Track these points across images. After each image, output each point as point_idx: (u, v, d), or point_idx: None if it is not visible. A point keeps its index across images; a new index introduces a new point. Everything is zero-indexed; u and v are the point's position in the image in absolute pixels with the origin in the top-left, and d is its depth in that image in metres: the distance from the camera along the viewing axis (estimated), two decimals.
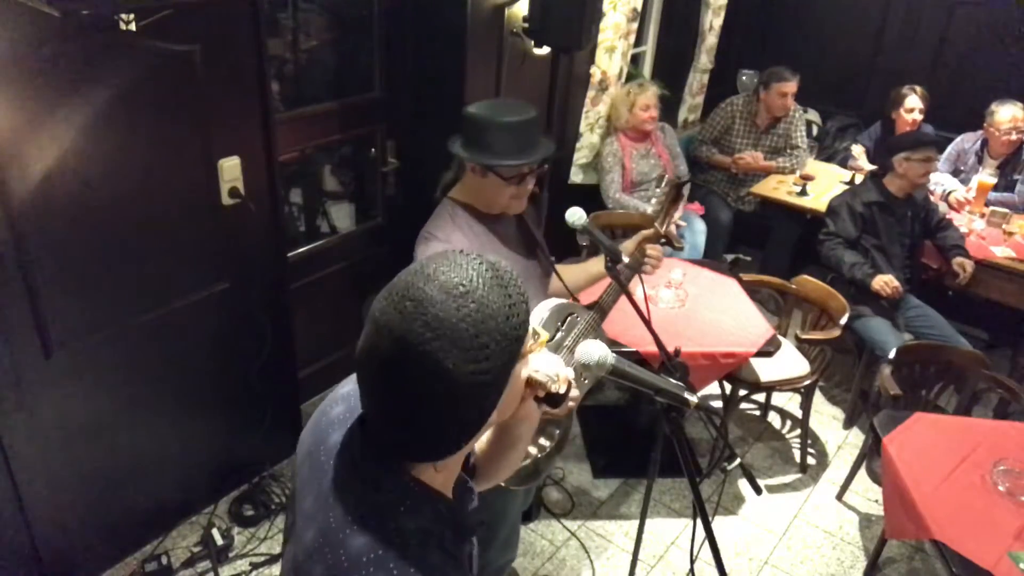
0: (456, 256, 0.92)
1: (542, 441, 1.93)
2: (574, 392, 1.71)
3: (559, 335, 1.95)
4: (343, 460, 0.99)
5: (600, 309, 2.04)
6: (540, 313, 1.91)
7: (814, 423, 3.60)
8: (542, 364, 1.05)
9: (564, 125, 3.94)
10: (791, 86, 4.31)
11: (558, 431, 1.96)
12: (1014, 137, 3.96)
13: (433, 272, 0.88)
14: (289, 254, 2.94)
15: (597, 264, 2.15)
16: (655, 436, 2.10)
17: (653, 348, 2.12)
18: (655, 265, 2.07)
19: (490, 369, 0.87)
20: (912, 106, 4.23)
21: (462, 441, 0.94)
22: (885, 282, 3.39)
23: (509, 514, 2.23)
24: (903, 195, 3.49)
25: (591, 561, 2.85)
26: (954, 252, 3.60)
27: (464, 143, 1.87)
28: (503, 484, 1.81)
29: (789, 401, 3.76)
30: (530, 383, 1.04)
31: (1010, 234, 3.81)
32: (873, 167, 4.40)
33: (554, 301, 1.97)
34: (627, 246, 2.09)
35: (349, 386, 1.10)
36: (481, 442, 1.26)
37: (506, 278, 0.91)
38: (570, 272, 2.19)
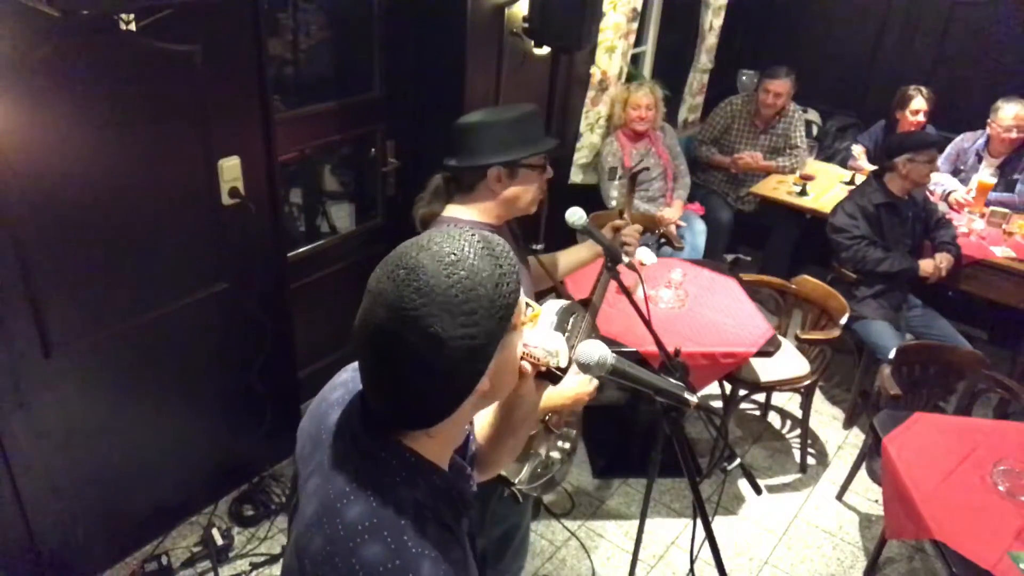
0: (451, 230, 0.95)
1: (561, 444, 1.93)
2: (591, 385, 1.72)
3: (566, 336, 1.95)
4: (342, 434, 1.01)
5: (592, 308, 2.04)
6: (548, 316, 1.90)
7: (814, 423, 3.60)
8: (538, 340, 1.06)
9: (564, 125, 3.94)
10: (778, 84, 4.29)
11: (574, 432, 1.96)
12: (1014, 135, 3.95)
13: (427, 243, 0.92)
14: (289, 254, 2.93)
15: (582, 250, 2.19)
16: (655, 436, 2.10)
17: (653, 348, 2.12)
18: (634, 242, 2.13)
19: (478, 335, 0.90)
20: (918, 108, 4.22)
21: (452, 406, 0.95)
22: (936, 265, 3.48)
23: (522, 523, 2.23)
24: (904, 195, 3.49)
25: (591, 561, 2.85)
26: (941, 248, 3.60)
27: (478, 152, 1.79)
28: (525, 495, 1.81)
29: (789, 401, 3.76)
30: (528, 360, 1.05)
31: (1010, 234, 3.81)
32: (874, 167, 4.40)
33: (560, 302, 1.97)
34: (577, 251, 2.16)
35: (347, 373, 1.13)
36: (483, 428, 1.27)
37: (498, 250, 0.94)
38: (559, 259, 2.21)
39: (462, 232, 0.94)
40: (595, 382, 1.74)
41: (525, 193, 1.87)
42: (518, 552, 2.30)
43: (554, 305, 1.94)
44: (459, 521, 1.02)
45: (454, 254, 0.90)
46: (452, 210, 1.85)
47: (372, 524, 0.91)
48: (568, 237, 2.86)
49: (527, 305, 1.03)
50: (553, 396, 1.67)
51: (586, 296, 2.08)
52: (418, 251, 0.91)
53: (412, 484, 0.95)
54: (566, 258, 2.22)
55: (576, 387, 1.71)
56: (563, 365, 1.09)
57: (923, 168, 3.38)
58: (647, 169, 3.94)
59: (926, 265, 3.47)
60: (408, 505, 0.94)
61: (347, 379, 1.11)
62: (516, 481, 1.81)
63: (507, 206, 1.88)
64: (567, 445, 1.93)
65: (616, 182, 4.00)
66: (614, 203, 4.01)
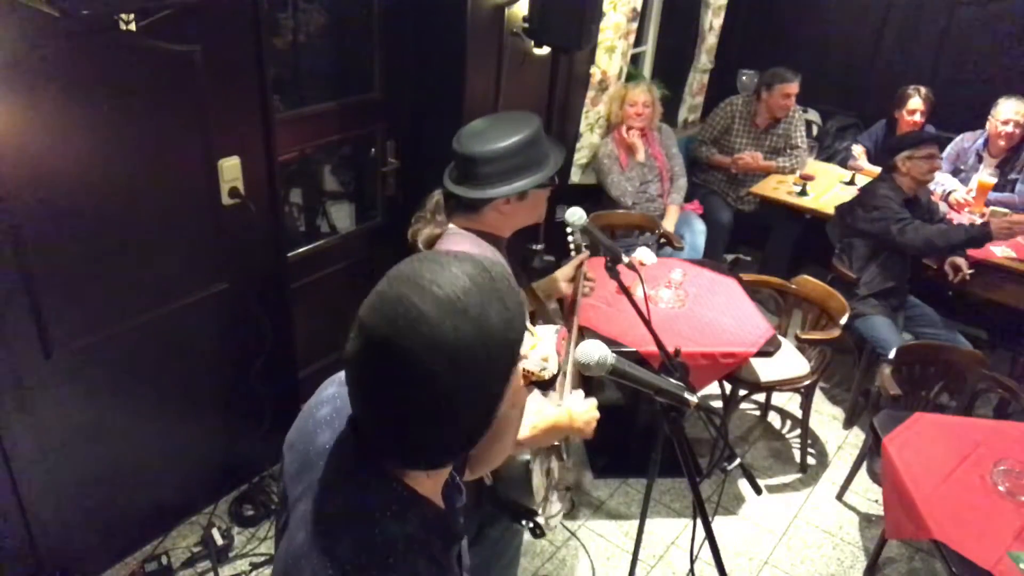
0: (450, 263, 0.87)
1: (567, 473, 1.92)
2: (593, 414, 1.72)
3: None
4: (333, 463, 0.98)
5: (573, 307, 2.05)
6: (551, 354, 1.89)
7: (814, 423, 3.60)
8: (528, 350, 1.06)
9: (564, 125, 3.94)
10: (794, 87, 4.31)
11: (572, 463, 1.96)
12: (1011, 129, 3.95)
13: (427, 284, 0.84)
14: (289, 254, 2.93)
15: (555, 282, 2.19)
16: (655, 436, 2.10)
17: (653, 348, 2.12)
18: (592, 288, 2.18)
19: (489, 382, 0.87)
20: (914, 108, 4.23)
21: (460, 452, 0.93)
22: (1012, 222, 3.29)
23: (515, 538, 2.23)
24: (912, 195, 3.48)
25: (591, 561, 2.85)
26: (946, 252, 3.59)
27: (487, 183, 1.75)
28: (544, 530, 1.79)
29: (789, 401, 3.76)
30: (523, 374, 1.04)
31: None
32: (872, 167, 4.41)
33: (552, 327, 1.96)
34: (565, 272, 2.15)
35: (332, 388, 1.09)
36: None
37: (502, 287, 0.88)
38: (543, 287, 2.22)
39: (463, 266, 0.87)
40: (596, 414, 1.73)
41: (533, 210, 1.86)
42: (508, 568, 2.29)
43: (548, 331, 1.93)
44: (448, 551, 1.00)
45: (459, 300, 0.83)
46: (457, 227, 1.82)
47: (360, 564, 0.88)
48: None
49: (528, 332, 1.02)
50: (562, 423, 1.64)
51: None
52: (420, 296, 0.83)
53: (402, 518, 0.93)
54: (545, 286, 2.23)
55: (586, 412, 1.69)
56: (554, 371, 1.09)
57: (922, 164, 3.37)
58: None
59: (998, 225, 3.27)
60: (398, 540, 0.91)
61: (333, 395, 1.07)
62: (551, 514, 1.79)
63: (516, 223, 1.87)
64: (570, 477, 1.94)
65: (619, 178, 3.99)
66: (628, 200, 4.00)
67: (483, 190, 1.75)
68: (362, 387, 0.89)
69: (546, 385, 1.11)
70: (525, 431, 1.48)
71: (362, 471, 0.95)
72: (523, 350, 1.04)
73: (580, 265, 2.13)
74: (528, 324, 1.04)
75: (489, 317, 0.84)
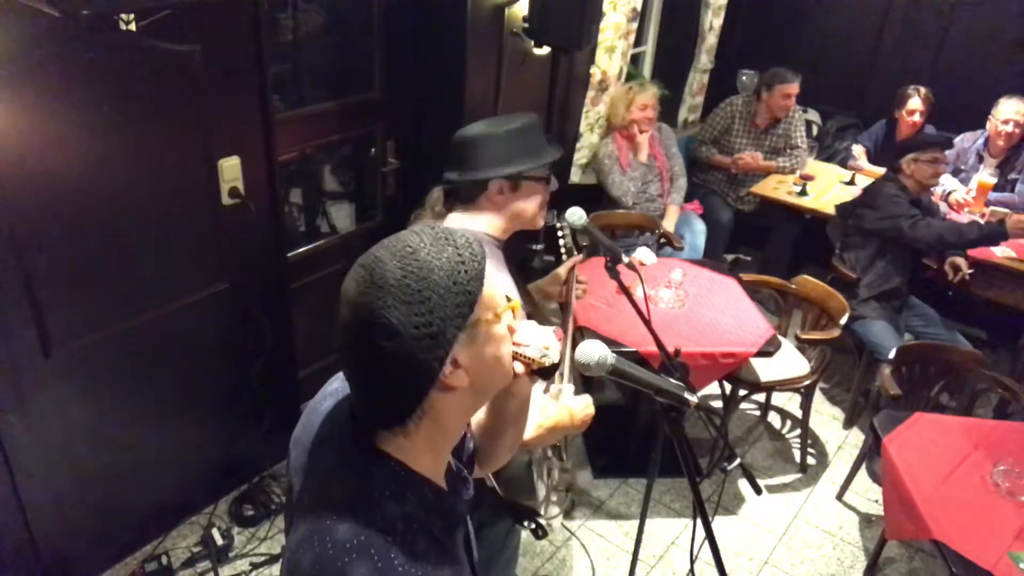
0: (417, 226, 0.97)
1: (563, 474, 1.92)
2: (589, 411, 1.72)
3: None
4: (332, 447, 1.01)
5: (568, 306, 2.05)
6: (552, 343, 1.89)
7: (814, 423, 3.60)
8: (529, 338, 1.06)
9: (564, 125, 3.94)
10: (795, 87, 4.32)
11: (570, 464, 1.95)
12: (1011, 129, 3.95)
13: (389, 241, 0.95)
14: (289, 254, 2.94)
15: (547, 284, 2.20)
16: (655, 436, 2.10)
17: (653, 348, 2.13)
18: (585, 290, 2.18)
19: (434, 322, 0.90)
20: (914, 108, 4.23)
21: (416, 397, 0.94)
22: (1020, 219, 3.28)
23: (512, 538, 2.23)
24: (914, 196, 3.48)
25: (591, 561, 2.85)
26: (950, 252, 3.59)
27: (479, 166, 1.76)
28: (546, 530, 1.79)
29: (789, 401, 3.76)
30: (521, 359, 1.06)
31: None
32: (872, 167, 4.40)
33: (550, 329, 1.95)
34: (558, 273, 2.15)
35: (336, 383, 1.12)
36: (478, 424, 1.27)
37: (459, 242, 0.95)
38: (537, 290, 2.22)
39: (424, 228, 0.96)
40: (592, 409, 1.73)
41: (529, 206, 1.86)
42: (507, 566, 2.28)
43: (546, 331, 1.93)
44: (451, 534, 1.01)
45: (410, 247, 0.92)
46: (452, 220, 1.82)
47: (360, 543, 0.89)
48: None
49: (505, 297, 1.02)
50: (564, 422, 1.63)
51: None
52: (379, 249, 0.94)
53: (400, 498, 0.94)
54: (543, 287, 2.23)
55: (583, 409, 1.69)
56: (556, 360, 1.09)
57: (926, 168, 3.37)
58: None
59: (1014, 224, 3.27)
60: (397, 520, 0.92)
61: (337, 389, 1.10)
62: (551, 515, 1.78)
63: (512, 220, 1.86)
64: (569, 477, 1.93)
65: (620, 178, 3.99)
66: (629, 200, 4.00)
67: (475, 172, 1.76)
68: (339, 349, 0.96)
69: (548, 374, 1.11)
70: (531, 430, 1.49)
71: (359, 455, 0.97)
72: (523, 337, 1.05)
73: (572, 268, 2.13)
74: (508, 293, 1.05)
75: (437, 258, 0.92)
